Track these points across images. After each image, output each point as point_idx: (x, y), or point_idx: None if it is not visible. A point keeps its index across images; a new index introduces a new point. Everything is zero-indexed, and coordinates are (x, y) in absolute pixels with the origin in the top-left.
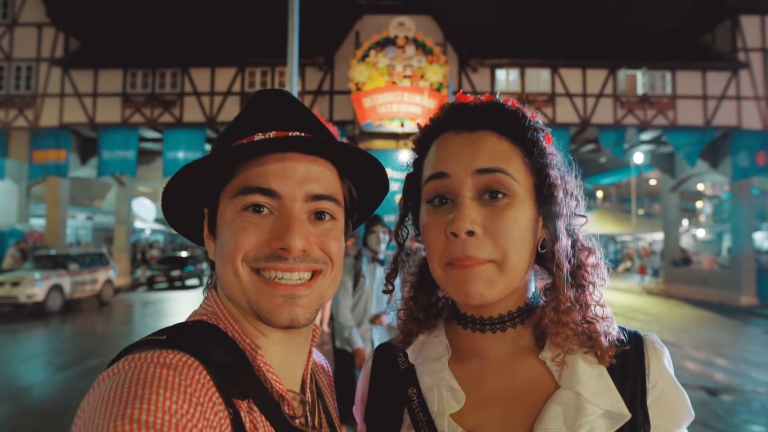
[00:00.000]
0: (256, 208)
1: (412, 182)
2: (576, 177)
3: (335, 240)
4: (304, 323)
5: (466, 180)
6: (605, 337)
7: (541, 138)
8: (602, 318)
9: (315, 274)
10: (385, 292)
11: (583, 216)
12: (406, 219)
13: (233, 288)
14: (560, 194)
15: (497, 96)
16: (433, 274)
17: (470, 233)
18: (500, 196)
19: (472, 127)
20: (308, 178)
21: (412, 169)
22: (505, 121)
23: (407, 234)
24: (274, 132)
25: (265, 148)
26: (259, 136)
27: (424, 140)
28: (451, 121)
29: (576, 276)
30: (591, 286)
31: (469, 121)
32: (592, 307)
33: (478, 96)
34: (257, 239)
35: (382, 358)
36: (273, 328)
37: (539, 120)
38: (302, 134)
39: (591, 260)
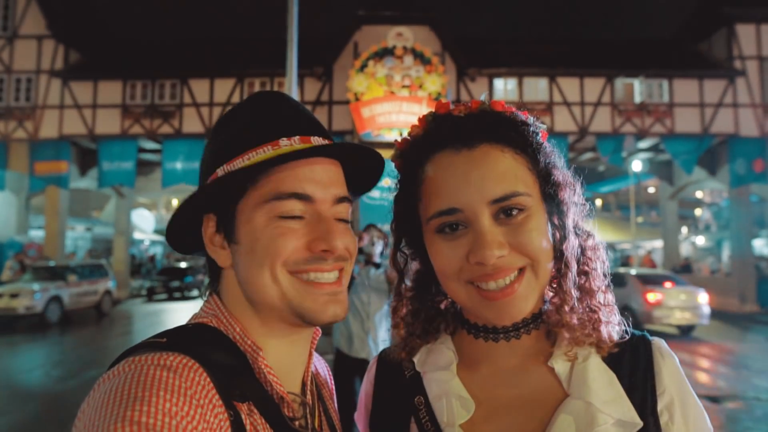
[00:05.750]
0: (291, 213)
1: (403, 203)
2: (564, 164)
3: (352, 237)
4: (342, 318)
5: (482, 210)
6: (605, 326)
7: (539, 137)
8: (605, 305)
9: (340, 271)
10: (393, 327)
11: (581, 204)
12: (401, 244)
13: (270, 293)
14: (565, 192)
15: (483, 100)
16: (447, 291)
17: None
18: (515, 212)
19: (470, 144)
20: (332, 181)
21: (399, 188)
22: (503, 130)
23: (406, 260)
24: (298, 137)
25: (303, 155)
26: (284, 141)
27: (412, 157)
28: (445, 137)
29: (579, 263)
30: (593, 272)
31: (464, 136)
32: (597, 295)
33: (463, 103)
34: (296, 243)
35: (387, 365)
36: (280, 330)
37: (532, 118)
38: (323, 139)
39: (590, 242)
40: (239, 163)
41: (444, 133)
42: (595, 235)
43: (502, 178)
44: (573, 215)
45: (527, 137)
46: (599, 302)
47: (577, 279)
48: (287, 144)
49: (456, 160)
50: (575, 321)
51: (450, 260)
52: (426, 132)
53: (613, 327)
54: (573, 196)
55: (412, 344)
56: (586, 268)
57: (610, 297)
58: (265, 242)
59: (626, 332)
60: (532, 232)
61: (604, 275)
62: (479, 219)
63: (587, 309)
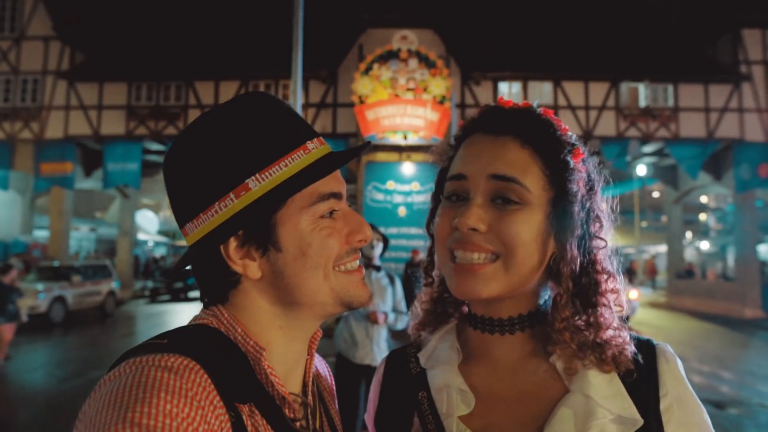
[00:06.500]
0: (331, 212)
1: (441, 175)
2: (608, 200)
3: None
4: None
5: (480, 182)
6: (613, 359)
7: (567, 152)
8: (614, 342)
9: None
10: (424, 284)
11: (602, 239)
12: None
13: (323, 291)
14: (576, 211)
15: (535, 105)
16: (437, 255)
17: (473, 230)
18: (511, 203)
19: (498, 132)
20: (342, 178)
21: (447, 164)
22: (532, 129)
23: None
24: (316, 139)
25: (344, 159)
26: (310, 144)
27: (458, 138)
28: (481, 123)
29: (590, 296)
30: (607, 309)
31: (496, 125)
32: (605, 330)
33: (516, 103)
34: (339, 239)
35: (394, 364)
36: (297, 329)
37: (571, 134)
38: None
39: (610, 285)
40: (277, 170)
41: (482, 119)
42: (617, 279)
43: (511, 164)
44: (585, 239)
45: (551, 144)
46: (610, 336)
47: (581, 299)
48: (313, 147)
49: (482, 141)
50: (572, 344)
51: (443, 224)
52: (472, 117)
53: (621, 360)
54: (592, 222)
55: (427, 321)
56: (597, 303)
57: (623, 334)
58: (318, 244)
59: (633, 348)
60: (516, 223)
61: (618, 309)
62: (475, 190)
63: (594, 340)
